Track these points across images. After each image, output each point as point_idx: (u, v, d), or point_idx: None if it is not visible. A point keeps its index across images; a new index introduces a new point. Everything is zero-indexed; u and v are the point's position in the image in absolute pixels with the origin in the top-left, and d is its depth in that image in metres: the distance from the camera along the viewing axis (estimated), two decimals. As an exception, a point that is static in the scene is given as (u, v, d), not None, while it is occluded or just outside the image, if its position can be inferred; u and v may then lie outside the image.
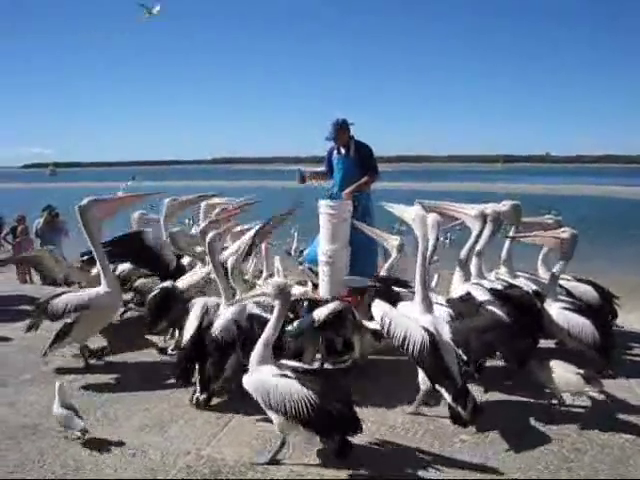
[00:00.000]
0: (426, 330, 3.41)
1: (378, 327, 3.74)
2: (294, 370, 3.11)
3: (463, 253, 4.51)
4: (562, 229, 4.45)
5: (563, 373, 3.51)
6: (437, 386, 3.39)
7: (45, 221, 10.13)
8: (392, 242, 4.85)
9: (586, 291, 4.78)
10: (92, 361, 4.65)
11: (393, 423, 3.63)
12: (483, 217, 4.43)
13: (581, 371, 3.49)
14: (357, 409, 3.73)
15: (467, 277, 4.45)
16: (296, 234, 6.69)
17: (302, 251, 6.26)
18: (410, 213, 3.79)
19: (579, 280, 4.90)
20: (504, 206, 4.70)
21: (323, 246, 5.61)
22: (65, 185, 42.80)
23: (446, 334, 3.47)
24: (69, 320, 4.36)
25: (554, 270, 4.39)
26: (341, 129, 5.87)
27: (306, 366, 3.37)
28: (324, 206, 5.60)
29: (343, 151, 5.99)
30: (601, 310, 4.63)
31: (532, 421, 3.61)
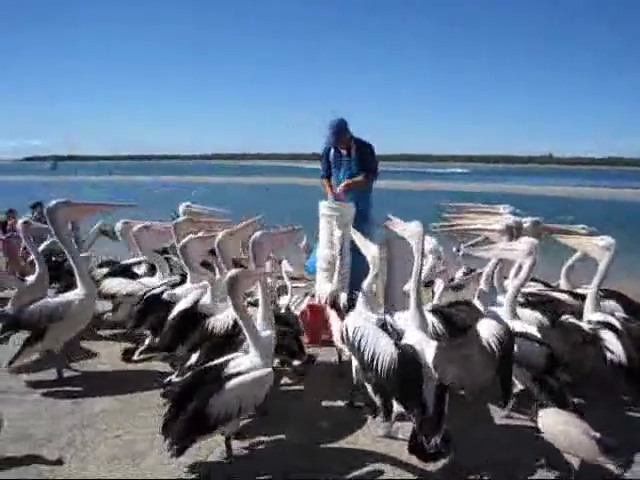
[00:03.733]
0: (403, 349, 3.07)
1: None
2: None
3: (489, 268, 4.18)
4: (600, 237, 4.08)
5: (576, 435, 2.79)
6: (406, 411, 3.03)
7: (35, 219, 9.68)
8: (371, 252, 4.00)
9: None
10: (67, 373, 4.27)
11: (363, 447, 3.26)
12: (510, 231, 4.08)
13: (597, 435, 2.77)
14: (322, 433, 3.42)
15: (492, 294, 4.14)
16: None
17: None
18: (408, 230, 3.45)
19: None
20: (525, 223, 4.38)
21: (322, 251, 5.21)
22: (65, 179, 42.42)
23: (429, 356, 3.04)
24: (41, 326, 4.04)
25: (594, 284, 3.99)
26: (340, 132, 5.46)
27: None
28: (324, 208, 5.19)
29: (344, 152, 5.58)
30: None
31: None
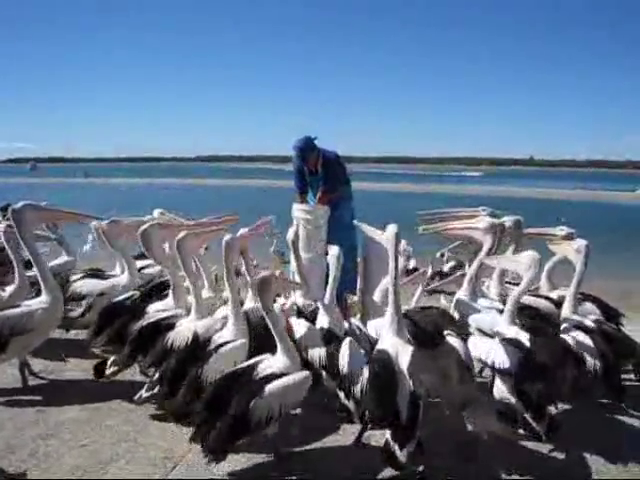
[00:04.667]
0: (374, 365, 3.02)
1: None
2: None
3: (472, 270, 4.09)
4: (575, 241, 4.06)
5: (480, 410, 3.09)
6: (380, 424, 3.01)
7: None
8: (330, 252, 3.98)
9: None
10: (32, 382, 4.11)
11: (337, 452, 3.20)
12: (493, 229, 4.00)
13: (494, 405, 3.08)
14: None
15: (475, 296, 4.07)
16: (275, 240, 6.32)
17: (283, 253, 5.82)
18: (384, 234, 3.39)
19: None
20: (506, 223, 4.26)
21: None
22: (46, 181, 41.87)
23: (404, 363, 2.99)
24: (2, 339, 3.82)
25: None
26: (306, 151, 5.34)
27: None
28: (298, 211, 5.12)
29: (313, 169, 5.46)
30: None
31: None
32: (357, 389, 3.08)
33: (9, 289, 4.45)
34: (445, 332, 3.33)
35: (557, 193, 35.03)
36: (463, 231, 4.30)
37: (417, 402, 2.88)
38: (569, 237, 4.34)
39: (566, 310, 3.91)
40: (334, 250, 3.86)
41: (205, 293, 4.25)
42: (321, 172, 5.36)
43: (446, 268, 6.05)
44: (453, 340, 3.17)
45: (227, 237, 3.72)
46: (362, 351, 3.25)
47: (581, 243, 3.99)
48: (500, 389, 3.27)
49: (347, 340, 3.39)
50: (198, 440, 2.88)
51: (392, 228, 3.32)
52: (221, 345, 3.36)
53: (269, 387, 2.90)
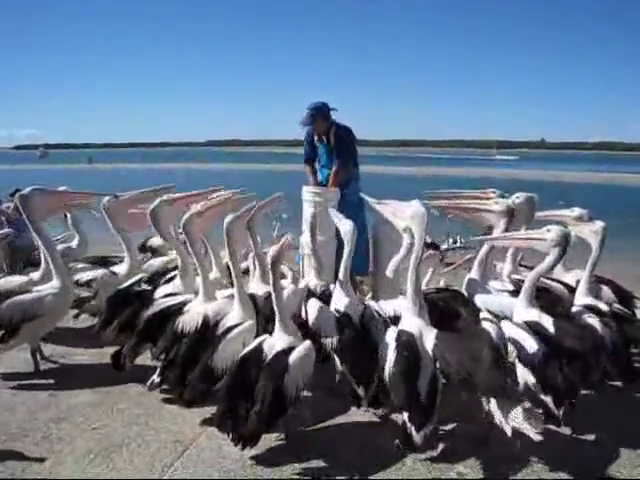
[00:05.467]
0: (403, 343, 2.96)
1: None
2: None
3: (483, 252, 3.99)
4: (593, 223, 3.99)
5: (502, 401, 2.87)
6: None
7: (15, 206, 9.44)
8: (344, 228, 3.76)
9: None
10: (43, 366, 4.13)
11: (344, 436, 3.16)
12: (510, 212, 3.90)
13: (526, 404, 2.83)
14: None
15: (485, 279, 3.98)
16: (278, 224, 6.25)
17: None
18: (409, 210, 3.27)
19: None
20: (517, 199, 4.14)
21: (307, 237, 5.12)
22: (56, 167, 41.94)
23: (430, 343, 2.96)
24: (14, 325, 3.83)
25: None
26: (318, 115, 5.30)
27: None
28: (307, 193, 5.10)
29: (324, 139, 5.44)
30: None
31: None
32: (385, 373, 3.01)
33: (36, 274, 4.45)
34: (481, 316, 3.26)
35: (567, 176, 34.57)
36: (474, 212, 4.22)
37: (437, 385, 2.87)
38: (581, 218, 4.26)
39: (581, 292, 3.85)
40: (347, 226, 3.70)
41: (214, 275, 4.23)
42: (333, 143, 5.34)
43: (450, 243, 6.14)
44: (488, 325, 3.07)
45: (229, 217, 3.65)
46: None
47: (599, 224, 3.92)
48: (522, 374, 3.09)
49: (394, 329, 3.24)
50: (225, 429, 2.89)
51: (419, 206, 3.21)
52: (229, 329, 3.35)
53: (291, 361, 2.91)
